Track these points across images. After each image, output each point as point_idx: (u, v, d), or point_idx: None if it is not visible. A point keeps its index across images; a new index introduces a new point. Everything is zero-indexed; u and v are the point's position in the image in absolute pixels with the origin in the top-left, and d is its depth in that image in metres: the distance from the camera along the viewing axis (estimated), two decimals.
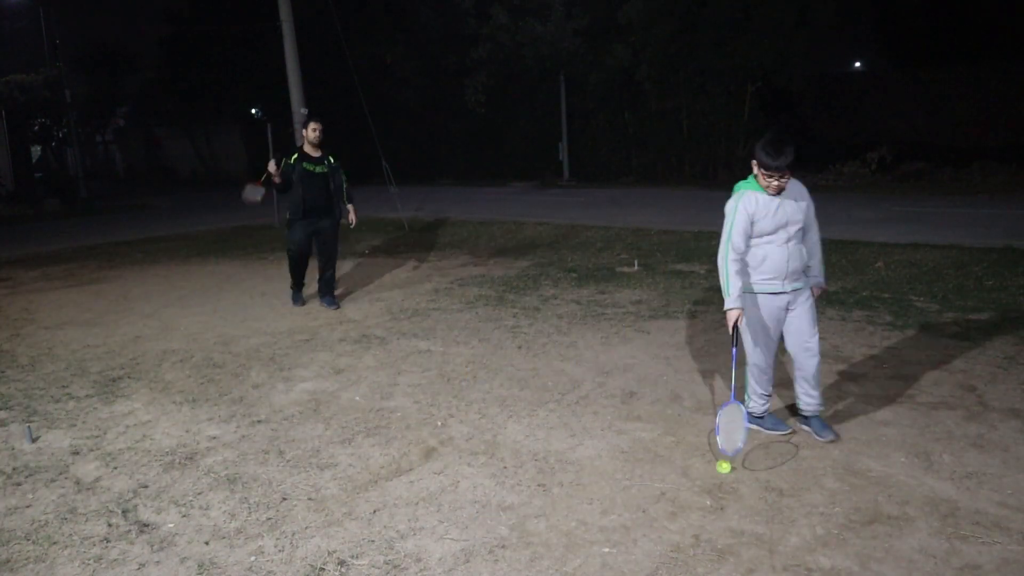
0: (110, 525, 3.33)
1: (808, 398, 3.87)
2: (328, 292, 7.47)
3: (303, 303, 7.53)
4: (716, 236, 11.89)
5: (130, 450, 4.14)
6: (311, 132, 7.06)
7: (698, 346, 5.56)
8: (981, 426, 3.96)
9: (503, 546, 3.03)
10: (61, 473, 3.89)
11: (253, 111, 32.05)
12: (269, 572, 2.93)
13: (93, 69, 36.59)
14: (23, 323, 7.33)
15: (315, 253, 7.38)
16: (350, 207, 7.27)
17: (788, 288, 3.77)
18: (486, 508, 3.33)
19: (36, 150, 28.76)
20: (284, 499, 3.50)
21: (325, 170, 7.13)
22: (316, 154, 7.10)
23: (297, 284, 7.58)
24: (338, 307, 7.40)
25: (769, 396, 4.00)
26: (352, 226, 7.42)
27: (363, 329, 6.48)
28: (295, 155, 7.06)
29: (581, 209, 15.29)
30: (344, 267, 9.80)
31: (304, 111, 15.64)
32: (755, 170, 3.73)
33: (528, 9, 21.73)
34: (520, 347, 5.73)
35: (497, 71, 22.77)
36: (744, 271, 3.74)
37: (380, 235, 12.71)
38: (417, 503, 3.40)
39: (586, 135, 23.19)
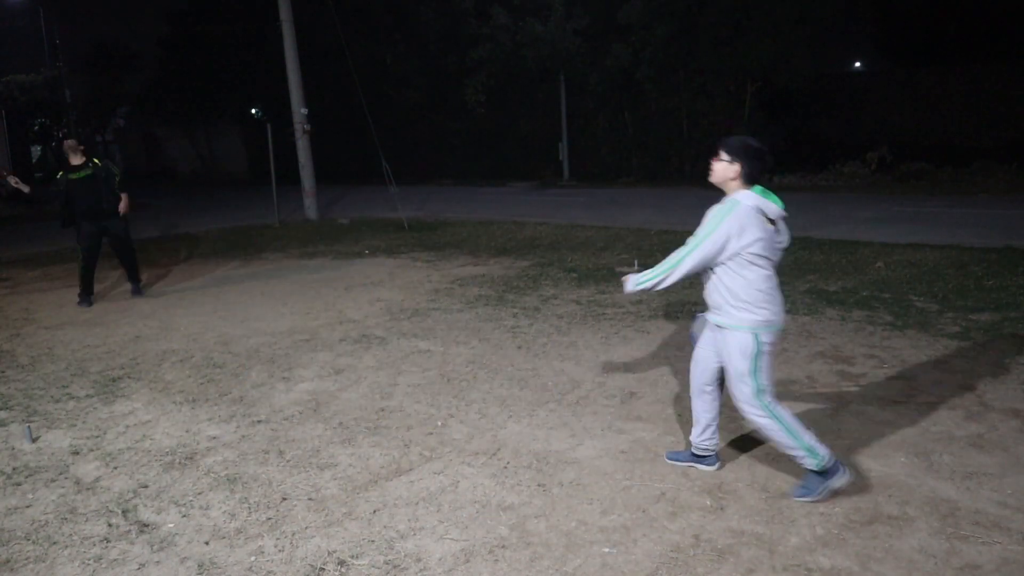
0: (110, 525, 3.33)
1: None
2: (134, 281, 8.42)
3: (91, 304, 8.04)
4: None
5: (130, 450, 4.14)
6: (65, 147, 7.94)
7: None
8: (981, 426, 3.96)
9: (503, 546, 3.03)
10: (61, 473, 3.89)
11: (253, 111, 32.07)
12: (269, 572, 2.93)
13: (93, 69, 36.61)
14: (23, 323, 7.33)
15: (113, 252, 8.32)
16: (123, 196, 8.06)
17: None
18: (486, 508, 3.33)
19: (36, 150, 28.77)
20: (284, 499, 3.50)
21: (89, 173, 7.83)
22: (78, 162, 7.83)
23: (87, 289, 8.13)
24: (143, 294, 8.37)
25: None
26: (122, 214, 8.14)
27: (363, 329, 6.49)
28: (59, 172, 7.88)
29: (581, 209, 15.29)
30: (345, 267, 9.80)
31: (304, 111, 15.64)
32: None
33: (528, 9, 21.73)
34: (520, 347, 5.73)
35: (497, 71, 22.78)
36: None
37: (380, 235, 12.71)
38: (417, 503, 3.40)
39: (586, 135, 23.19)
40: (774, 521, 3.12)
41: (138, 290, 8.43)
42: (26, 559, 3.09)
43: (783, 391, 4.58)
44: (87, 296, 8.10)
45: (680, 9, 18.98)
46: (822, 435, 3.92)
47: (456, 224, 13.57)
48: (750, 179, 3.18)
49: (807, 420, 4.14)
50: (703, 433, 3.52)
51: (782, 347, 5.43)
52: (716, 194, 3.36)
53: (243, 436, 4.26)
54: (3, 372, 5.71)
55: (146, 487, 3.68)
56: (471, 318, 6.67)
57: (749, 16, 18.44)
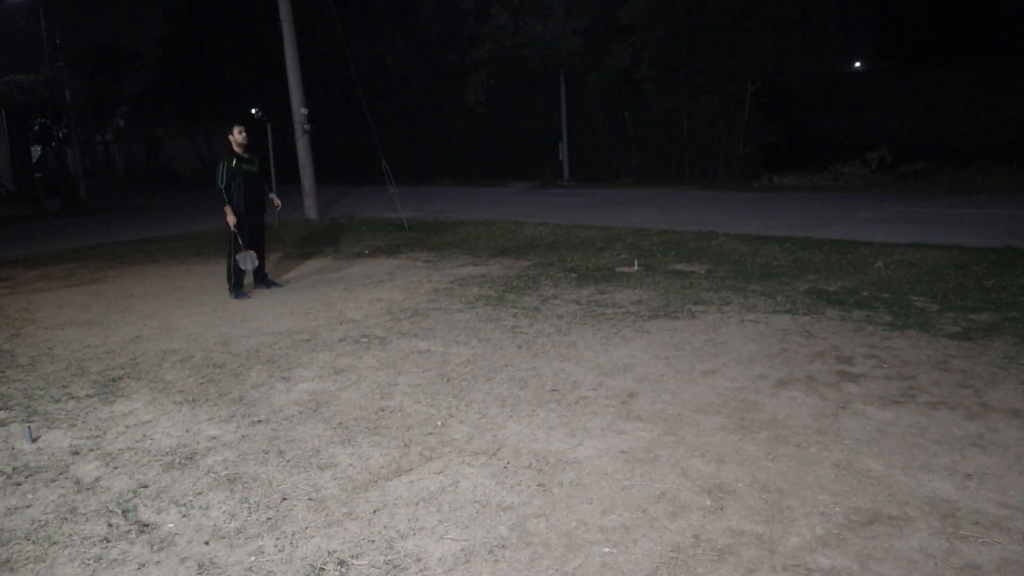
0: (110, 525, 3.33)
1: None
2: (266, 277, 8.47)
3: (249, 296, 8.14)
4: (715, 236, 11.84)
5: (130, 450, 4.14)
6: (239, 135, 7.83)
7: (698, 346, 5.56)
8: (981, 426, 3.96)
9: (503, 546, 3.03)
10: (61, 473, 3.89)
11: (253, 111, 32.07)
12: (269, 572, 2.93)
13: (93, 69, 36.62)
14: (23, 323, 7.33)
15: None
16: (274, 195, 8.36)
17: None
18: (486, 508, 3.33)
19: (36, 150, 28.77)
20: (284, 499, 3.50)
21: (258, 169, 8.03)
22: (247, 155, 7.92)
23: (241, 281, 8.17)
24: (281, 285, 8.49)
25: None
26: (278, 208, 8.62)
27: (363, 329, 6.49)
28: (233, 159, 7.79)
29: (581, 209, 15.29)
30: (345, 267, 9.81)
31: (304, 111, 15.65)
32: None
33: (528, 9, 21.73)
34: (520, 347, 5.73)
35: (497, 71, 22.77)
36: None
37: (380, 235, 12.71)
38: (417, 503, 3.40)
39: (586, 135, 23.18)
40: (774, 521, 3.12)
41: (275, 282, 8.46)
42: (26, 559, 3.09)
43: (783, 390, 4.59)
44: (241, 288, 8.13)
45: (680, 9, 18.97)
46: (822, 435, 3.93)
47: (456, 224, 13.57)
48: None
49: (807, 418, 4.15)
50: None
51: (782, 347, 5.44)
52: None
53: (243, 436, 4.26)
54: (3, 372, 5.72)
55: (146, 487, 3.68)
56: (471, 318, 6.67)
57: (749, 16, 18.43)
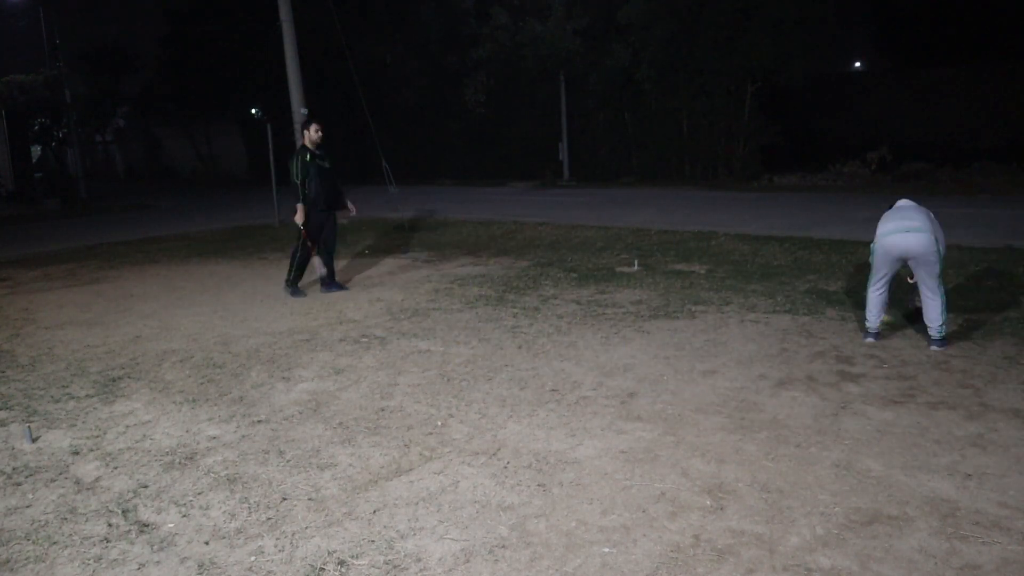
0: (110, 525, 3.33)
1: None
2: (334, 279, 8.25)
3: (305, 295, 8.06)
4: (715, 236, 11.80)
5: (130, 450, 4.14)
6: (315, 133, 7.74)
7: (698, 346, 5.56)
8: (981, 426, 3.96)
9: (503, 546, 3.03)
10: (61, 473, 3.89)
11: (253, 111, 32.08)
12: (269, 572, 2.93)
13: (93, 69, 36.62)
14: (23, 323, 7.33)
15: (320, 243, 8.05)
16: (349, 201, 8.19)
17: None
18: (486, 508, 3.33)
19: (36, 150, 28.78)
20: (284, 499, 3.50)
21: (331, 166, 7.92)
22: (319, 152, 7.82)
23: (300, 277, 8.14)
24: (347, 289, 8.26)
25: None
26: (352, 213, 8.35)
27: (363, 329, 6.49)
28: (308, 154, 7.68)
29: (581, 209, 15.29)
30: (344, 267, 9.80)
31: (304, 111, 15.63)
32: None
33: (528, 9, 21.74)
34: (520, 347, 5.73)
35: (497, 71, 22.79)
36: None
37: (380, 235, 12.71)
38: (417, 503, 3.40)
39: (586, 135, 23.19)
40: (774, 521, 3.12)
41: (341, 286, 8.23)
42: (26, 559, 3.09)
43: (783, 390, 4.59)
44: (297, 286, 8.05)
45: (680, 9, 18.98)
46: (822, 435, 3.93)
47: (456, 224, 13.57)
48: None
49: (807, 418, 4.15)
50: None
51: (782, 347, 5.43)
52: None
53: (243, 436, 4.26)
54: (3, 372, 5.71)
55: (146, 487, 3.68)
56: (471, 318, 6.67)
57: (749, 16, 18.45)
